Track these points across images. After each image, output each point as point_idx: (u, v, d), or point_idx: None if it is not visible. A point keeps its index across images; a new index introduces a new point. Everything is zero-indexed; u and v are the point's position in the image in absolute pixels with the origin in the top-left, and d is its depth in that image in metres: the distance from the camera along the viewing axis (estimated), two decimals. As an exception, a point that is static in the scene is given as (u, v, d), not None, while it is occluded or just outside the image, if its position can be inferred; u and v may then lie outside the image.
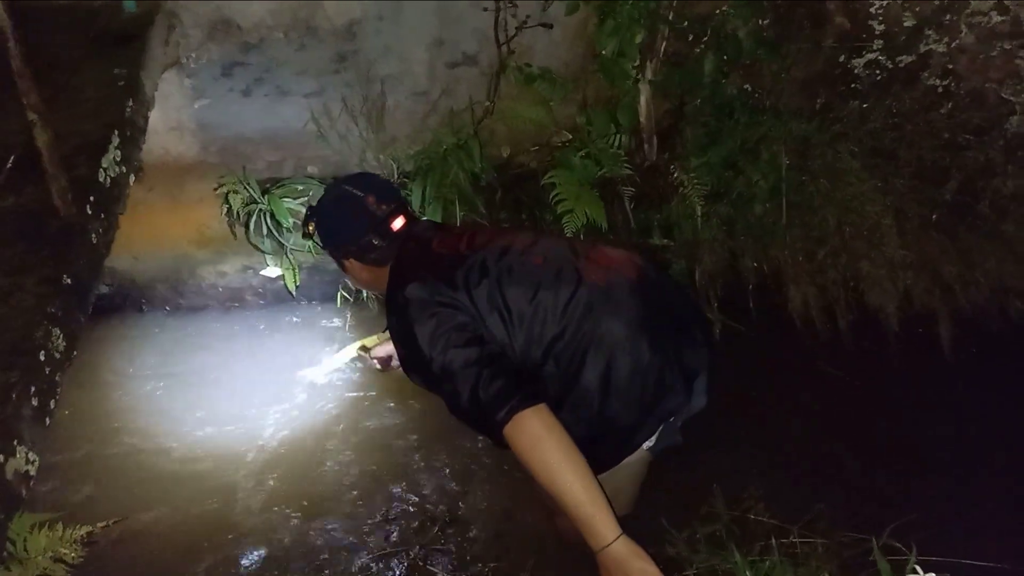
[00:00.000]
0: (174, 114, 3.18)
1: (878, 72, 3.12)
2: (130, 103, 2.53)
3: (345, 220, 1.95)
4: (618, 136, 3.05)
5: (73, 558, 1.64)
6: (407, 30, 3.04)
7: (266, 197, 3.31)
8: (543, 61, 3.06)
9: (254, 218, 3.30)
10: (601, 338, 1.74)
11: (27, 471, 1.69)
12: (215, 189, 3.30)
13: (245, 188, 3.30)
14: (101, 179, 2.25)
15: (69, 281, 1.99)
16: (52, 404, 1.84)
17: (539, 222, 3.27)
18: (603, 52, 2.78)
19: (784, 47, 2.90)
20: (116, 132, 2.38)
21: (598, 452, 1.70)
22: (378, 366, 2.47)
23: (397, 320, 1.79)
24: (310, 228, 2.04)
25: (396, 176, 3.29)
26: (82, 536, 1.67)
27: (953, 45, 3.05)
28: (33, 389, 1.75)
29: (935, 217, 2.90)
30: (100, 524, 1.75)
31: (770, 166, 2.80)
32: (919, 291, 2.92)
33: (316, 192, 3.32)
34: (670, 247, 3.24)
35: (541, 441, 1.57)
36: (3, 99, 2.49)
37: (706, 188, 2.91)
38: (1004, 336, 3.04)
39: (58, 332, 1.88)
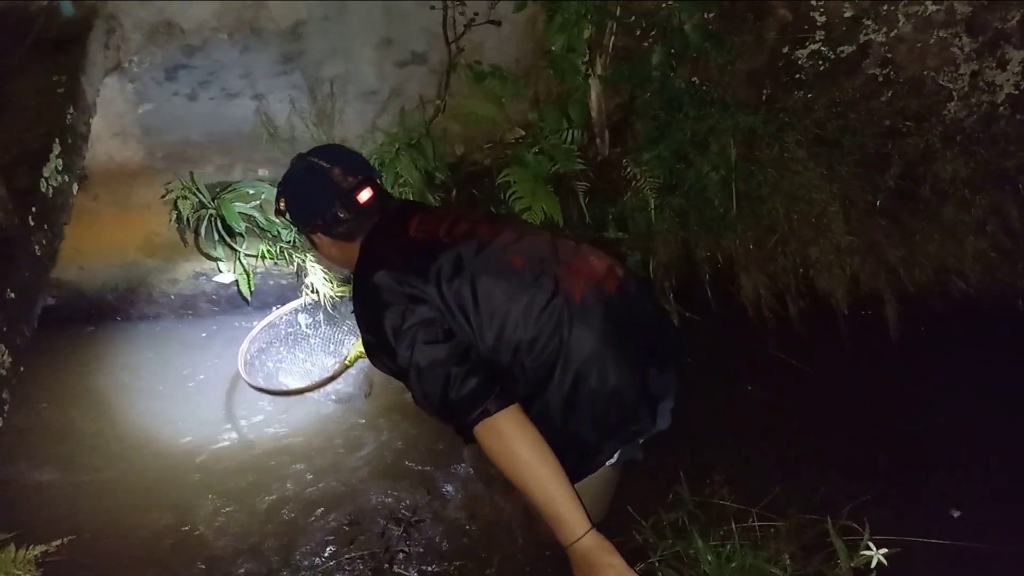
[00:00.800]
0: (117, 120, 3.10)
1: (821, 63, 3.19)
2: (71, 110, 2.47)
3: (311, 193, 1.88)
4: (570, 131, 3.06)
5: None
6: (354, 30, 3.01)
7: (216, 202, 3.26)
8: (493, 58, 3.06)
9: (204, 223, 3.24)
10: (570, 353, 1.71)
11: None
12: (163, 196, 3.23)
13: (194, 193, 3.24)
14: (43, 189, 2.19)
15: (13, 295, 1.94)
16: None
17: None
18: (552, 48, 2.79)
19: (729, 40, 2.94)
20: (57, 140, 2.32)
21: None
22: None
23: (363, 305, 1.75)
24: (281, 204, 1.96)
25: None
26: (36, 556, 1.62)
27: (892, 35, 3.14)
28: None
29: (879, 202, 2.98)
30: (54, 543, 1.71)
31: (719, 157, 2.84)
32: (866, 275, 3.00)
33: (267, 195, 3.27)
34: (624, 240, 3.27)
35: (512, 441, 1.57)
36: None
37: (658, 181, 2.95)
38: (947, 315, 3.14)
39: (3, 348, 1.83)
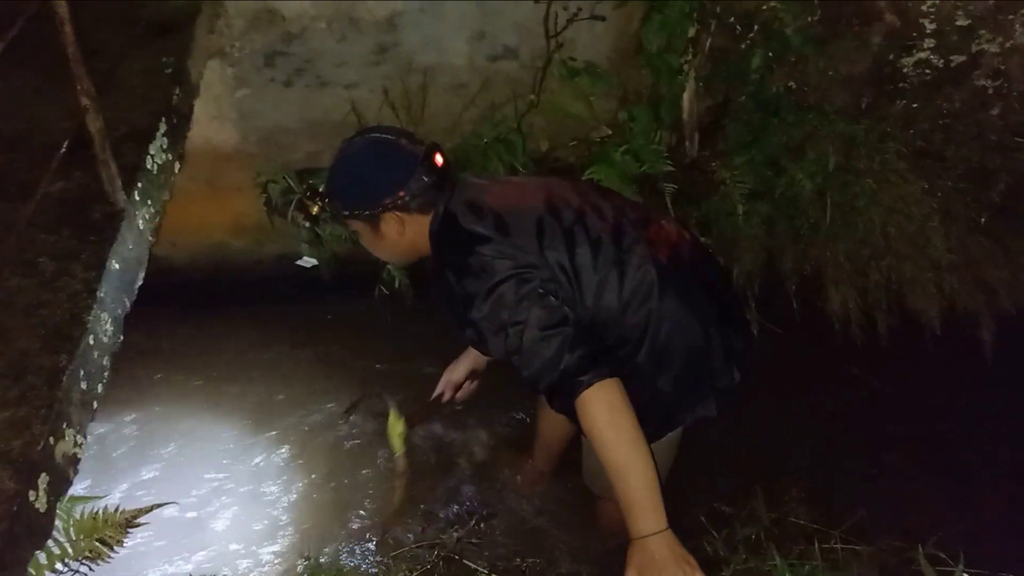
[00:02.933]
0: (215, 103, 3.19)
1: (927, 71, 3.05)
2: (177, 91, 2.55)
3: (387, 165, 1.75)
4: (659, 132, 3.02)
5: (116, 541, 1.65)
6: (448, 23, 3.03)
7: (304, 187, 3.32)
8: (585, 55, 3.04)
9: (292, 208, 3.31)
10: (660, 318, 1.74)
11: (75, 454, 1.71)
12: (255, 178, 3.32)
13: (284, 178, 3.32)
14: (148, 166, 2.27)
15: (117, 266, 2.01)
16: (100, 388, 1.86)
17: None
18: (649, 47, 2.74)
19: (832, 44, 2.85)
20: (163, 120, 2.40)
21: (643, 426, 1.64)
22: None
23: (471, 280, 1.65)
24: (336, 186, 1.82)
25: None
26: (125, 520, 1.68)
27: (1007, 45, 2.98)
28: (82, 373, 1.77)
29: (982, 220, 2.84)
30: (144, 508, 1.77)
31: (815, 165, 2.75)
32: (963, 295, 2.86)
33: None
34: (707, 245, 3.21)
35: (618, 413, 1.56)
36: (50, 87, 2.53)
37: (748, 186, 2.88)
38: (1051, 343, 2.98)
39: (106, 316, 1.90)
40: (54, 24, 1.98)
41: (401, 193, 1.73)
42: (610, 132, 3.21)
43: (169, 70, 2.60)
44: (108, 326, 1.90)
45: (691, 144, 3.03)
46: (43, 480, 1.57)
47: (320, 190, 1.90)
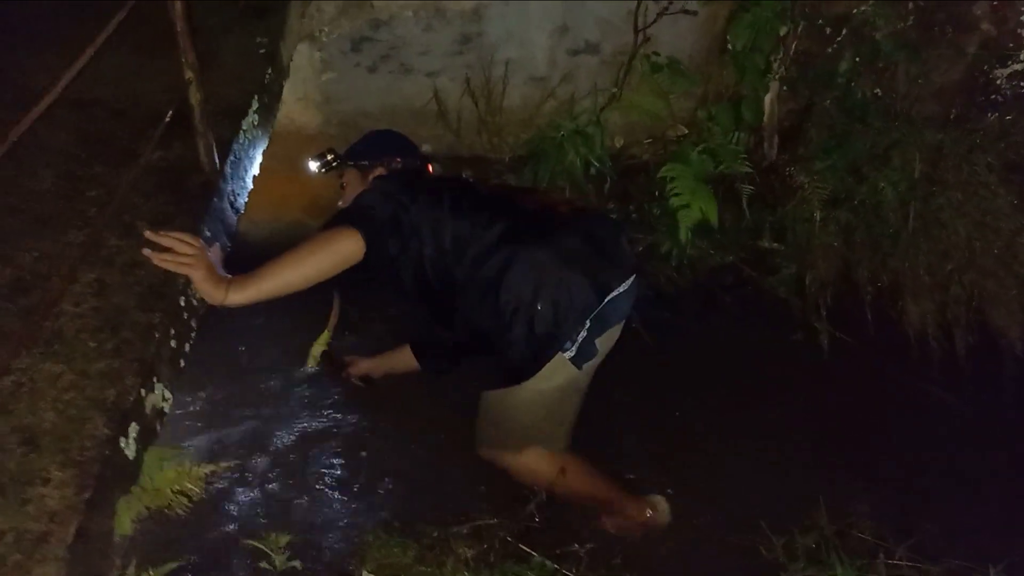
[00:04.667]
0: (302, 85, 3.29)
1: (1023, 84, 2.96)
2: (269, 71, 2.64)
3: (395, 142, 2.58)
4: (737, 133, 2.99)
5: (196, 493, 1.73)
6: (531, 15, 3.06)
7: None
8: (667, 52, 3.03)
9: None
10: (526, 255, 2.08)
11: (162, 407, 1.80)
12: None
13: (361, 162, 3.39)
14: (240, 141, 2.36)
15: (208, 234, 2.10)
16: (187, 347, 1.94)
17: (647, 215, 3.25)
18: (735, 45, 2.72)
19: (924, 51, 2.78)
20: (255, 97, 2.49)
21: (517, 355, 2.09)
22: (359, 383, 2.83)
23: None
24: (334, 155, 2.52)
25: (507, 159, 3.34)
26: (205, 474, 1.76)
27: (1108, 59, 2.87)
28: (172, 331, 1.85)
29: (1075, 240, 2.74)
30: (223, 464, 1.85)
31: (899, 174, 2.69)
32: (1050, 316, 2.76)
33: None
34: (779, 251, 3.17)
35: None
36: (150, 63, 2.65)
37: (827, 192, 2.83)
38: None
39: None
40: (155, 2, 2.10)
41: (398, 159, 2.46)
42: (686, 131, 3.20)
43: (263, 51, 2.69)
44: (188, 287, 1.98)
45: (770, 147, 2.99)
46: (133, 429, 1.66)
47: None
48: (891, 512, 2.45)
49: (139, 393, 1.68)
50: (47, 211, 2.04)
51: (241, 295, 1.93)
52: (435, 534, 2.11)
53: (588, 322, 2.12)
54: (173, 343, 1.84)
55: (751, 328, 3.12)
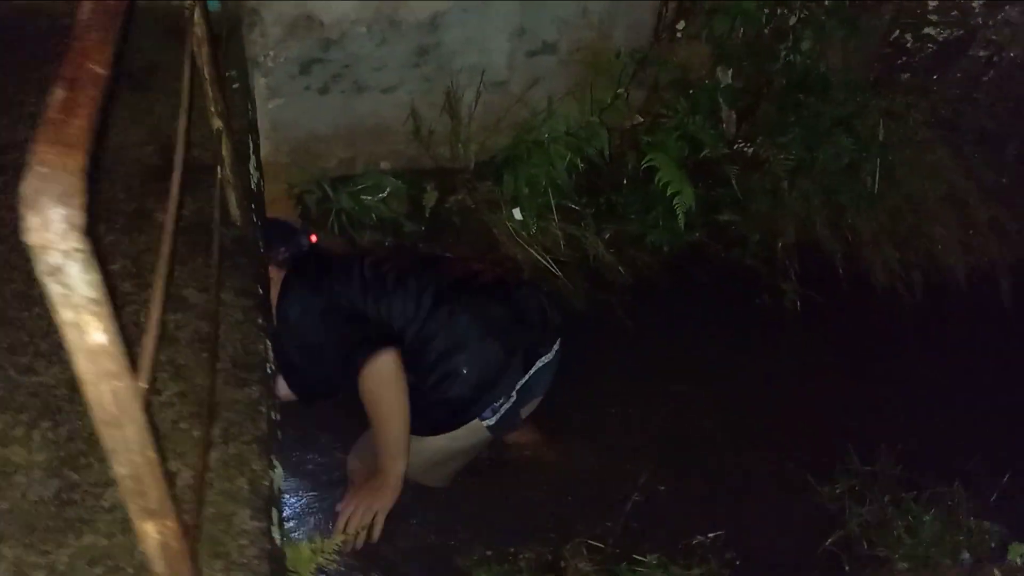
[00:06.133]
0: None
1: (930, 46, 3.30)
2: (249, 106, 2.46)
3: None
4: (696, 116, 3.12)
5: (332, 567, 1.62)
6: (489, 20, 3.02)
7: (337, 195, 3.26)
8: (622, 42, 3.11)
9: (332, 218, 3.24)
10: (451, 323, 2.17)
11: (280, 485, 1.66)
12: (289, 190, 3.22)
13: (319, 188, 3.23)
14: (253, 186, 2.20)
15: (261, 291, 1.94)
16: (279, 416, 1.80)
17: (615, 206, 3.33)
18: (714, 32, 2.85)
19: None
20: (251, 137, 2.31)
21: (437, 414, 2.19)
22: None
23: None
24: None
25: (472, 167, 3.30)
26: (337, 545, 1.65)
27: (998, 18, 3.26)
28: (270, 403, 1.71)
29: (1004, 180, 3.11)
30: (357, 530, 1.73)
31: (856, 140, 2.93)
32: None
33: (391, 188, 3.28)
34: (739, 223, 3.35)
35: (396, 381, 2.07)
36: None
37: (792, 162, 3.03)
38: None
39: (269, 344, 1.84)
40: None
41: (281, 249, 2.31)
42: (641, 120, 3.30)
43: (236, 84, 2.50)
44: (271, 354, 1.84)
45: (728, 126, 3.16)
46: (275, 515, 1.53)
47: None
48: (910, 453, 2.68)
49: (270, 476, 1.55)
50: (72, 293, 1.81)
51: (400, 463, 2.12)
52: (543, 555, 2.10)
53: (515, 393, 2.21)
54: (273, 415, 1.71)
55: (726, 297, 3.30)
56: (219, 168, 1.92)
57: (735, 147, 3.22)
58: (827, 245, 3.15)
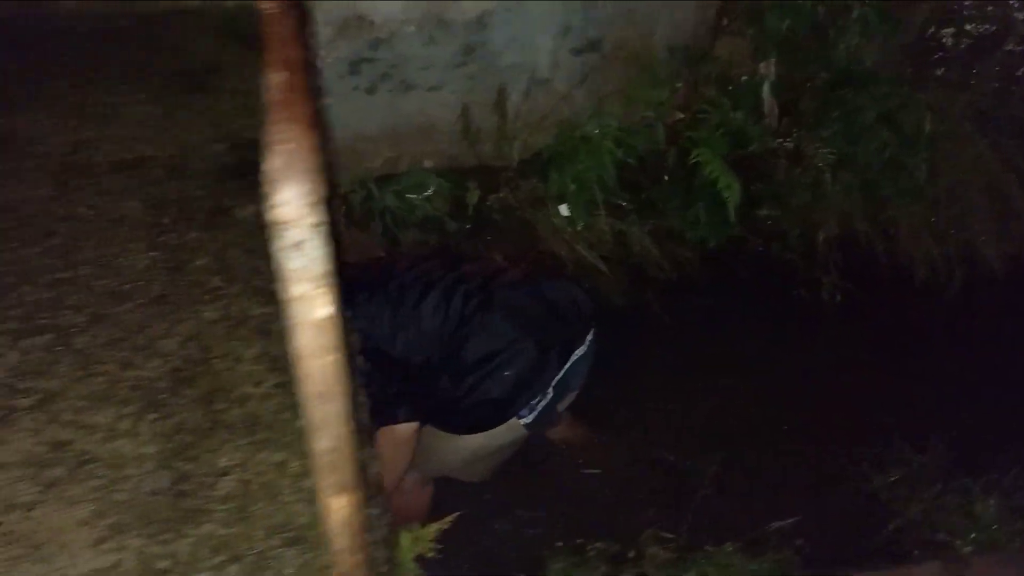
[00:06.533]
0: (295, 115, 3.10)
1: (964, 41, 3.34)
2: (316, 105, 2.48)
3: None
4: (736, 112, 3.16)
5: (431, 554, 1.65)
6: (534, 18, 3.06)
7: (381, 193, 3.28)
8: (667, 39, 3.15)
9: (376, 217, 3.26)
10: (485, 325, 2.12)
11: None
12: (334, 190, 3.24)
13: (363, 187, 3.26)
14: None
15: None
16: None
17: (656, 202, 3.36)
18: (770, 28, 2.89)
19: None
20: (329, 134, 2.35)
21: (476, 414, 2.13)
22: None
23: None
24: None
25: (515, 164, 3.33)
26: (436, 533, 1.67)
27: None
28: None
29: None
30: (447, 519, 1.76)
31: (899, 134, 2.97)
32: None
33: (436, 185, 3.31)
34: (778, 217, 3.39)
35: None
36: (169, 112, 2.37)
37: (834, 156, 3.07)
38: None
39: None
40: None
41: None
42: (682, 116, 3.34)
43: (299, 84, 2.52)
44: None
45: (771, 121, 3.19)
46: (379, 502, 1.56)
47: None
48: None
49: (375, 464, 1.58)
50: (161, 290, 1.84)
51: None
52: (614, 546, 2.13)
53: (551, 390, 2.20)
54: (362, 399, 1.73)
55: (766, 292, 3.33)
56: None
57: (776, 142, 3.25)
58: (868, 238, 3.19)
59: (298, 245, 0.74)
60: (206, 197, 2.09)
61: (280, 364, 1.71)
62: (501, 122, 3.21)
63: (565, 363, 2.21)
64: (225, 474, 1.51)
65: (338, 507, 0.89)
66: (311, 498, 1.48)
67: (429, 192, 3.32)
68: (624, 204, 3.21)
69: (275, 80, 0.80)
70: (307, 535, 1.42)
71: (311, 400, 0.81)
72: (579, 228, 3.12)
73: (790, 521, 2.25)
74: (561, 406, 2.28)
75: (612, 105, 3.24)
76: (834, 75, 3.03)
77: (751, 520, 2.30)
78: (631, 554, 2.18)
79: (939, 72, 3.36)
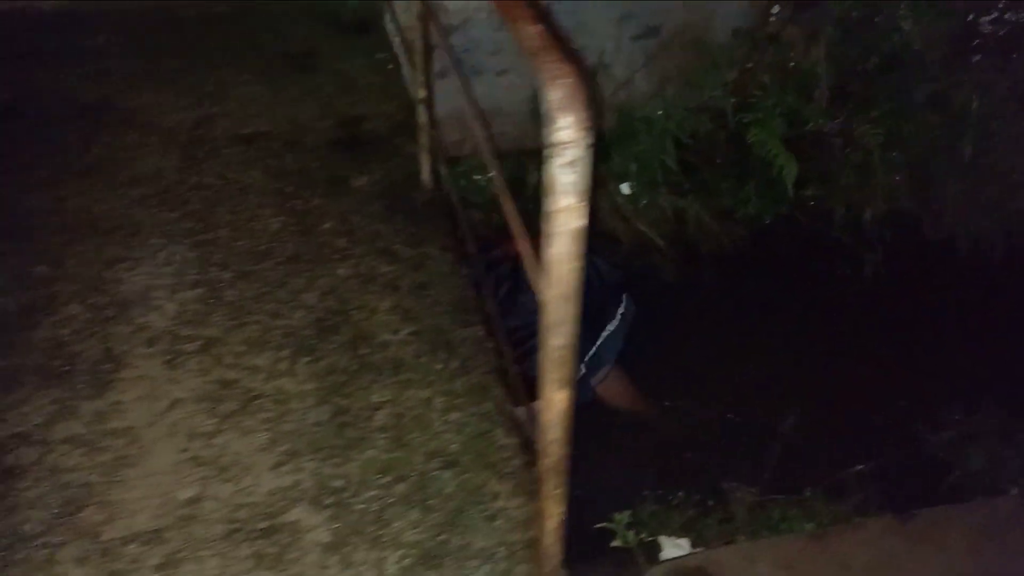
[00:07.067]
0: (370, 99, 3.26)
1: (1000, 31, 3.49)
2: (406, 83, 2.64)
3: None
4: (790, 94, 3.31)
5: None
6: (598, 6, 3.21)
7: (451, 175, 3.43)
8: (724, 26, 3.31)
9: (444, 196, 3.42)
10: (520, 306, 2.23)
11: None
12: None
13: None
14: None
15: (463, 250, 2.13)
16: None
17: (707, 181, 3.51)
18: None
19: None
20: (419, 110, 2.50)
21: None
22: None
23: None
24: None
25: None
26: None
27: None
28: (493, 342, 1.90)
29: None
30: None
31: (948, 115, 3.13)
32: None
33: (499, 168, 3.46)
34: (823, 196, 3.54)
35: None
36: (276, 91, 2.53)
37: (881, 135, 3.22)
38: None
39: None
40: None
41: None
42: (734, 99, 3.49)
43: (391, 65, 2.69)
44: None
45: (821, 102, 3.34)
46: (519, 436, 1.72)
47: None
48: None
49: (507, 403, 1.74)
50: (296, 250, 2.00)
51: None
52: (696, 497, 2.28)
53: (583, 366, 2.31)
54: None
55: (815, 267, 3.49)
56: (419, 135, 2.11)
57: (827, 123, 3.40)
58: (914, 215, 3.34)
59: (573, 163, 0.89)
60: (322, 168, 2.25)
61: (412, 315, 1.87)
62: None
63: (597, 339, 2.34)
64: (378, 408, 1.67)
65: (559, 400, 1.05)
66: (459, 429, 1.64)
67: (492, 174, 3.47)
68: (682, 183, 3.37)
69: (532, 30, 0.96)
70: (460, 460, 1.59)
71: (554, 301, 0.96)
72: (641, 205, 3.28)
73: (869, 465, 2.40)
74: (595, 380, 2.40)
75: (671, 89, 3.40)
76: (884, 59, 3.18)
77: (820, 471, 2.46)
78: (711, 502, 2.34)
79: (977, 58, 3.52)
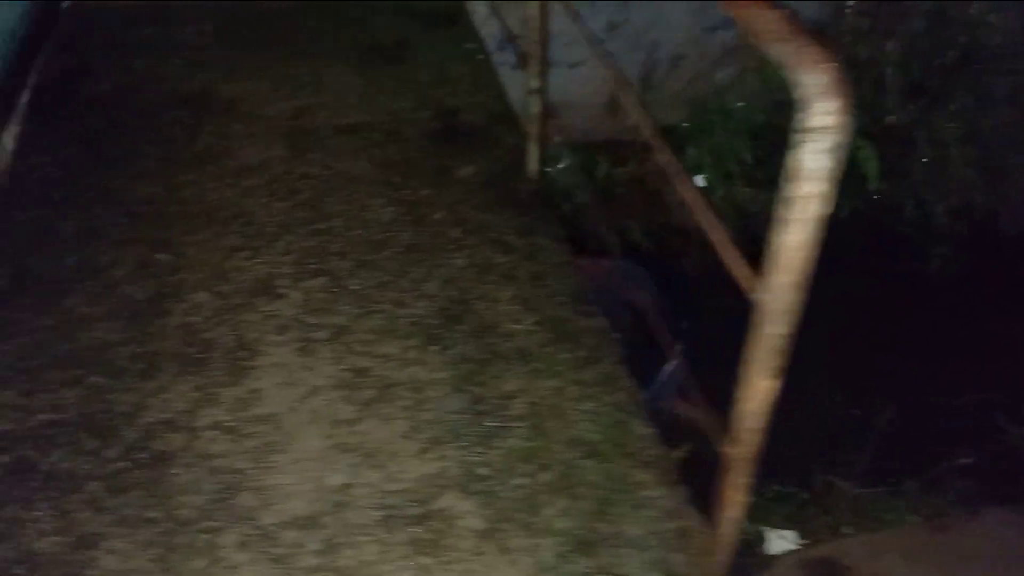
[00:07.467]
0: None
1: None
2: (496, 75, 2.65)
3: None
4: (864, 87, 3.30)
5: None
6: (674, -4, 3.22)
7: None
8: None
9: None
10: None
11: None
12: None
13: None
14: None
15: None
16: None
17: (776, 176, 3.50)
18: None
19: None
20: (510, 102, 2.51)
21: None
22: None
23: None
24: None
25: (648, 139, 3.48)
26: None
27: None
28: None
29: None
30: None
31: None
32: None
33: (568, 159, 3.47)
34: (890, 192, 3.53)
35: None
36: (372, 81, 2.52)
37: (957, 130, 3.21)
38: None
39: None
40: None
41: None
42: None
43: (481, 56, 2.69)
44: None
45: (895, 96, 3.33)
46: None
47: None
48: None
49: (638, 394, 1.74)
50: (410, 239, 2.01)
51: None
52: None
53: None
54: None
55: (887, 261, 3.48)
56: (529, 126, 2.11)
57: (901, 117, 3.39)
58: (991, 210, 3.33)
59: (834, 148, 0.89)
60: (425, 158, 2.26)
61: (532, 305, 1.87)
62: (645, 95, 3.37)
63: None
64: (513, 397, 1.68)
65: (767, 389, 1.05)
66: (594, 419, 1.65)
67: (562, 165, 3.48)
68: (758, 175, 3.37)
69: (773, 15, 0.96)
70: (600, 449, 1.60)
71: (783, 288, 0.97)
72: (715, 197, 3.28)
73: (959, 462, 2.40)
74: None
75: (747, 81, 3.40)
76: (963, 52, 3.17)
77: (915, 464, 2.46)
78: (805, 495, 2.35)
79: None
